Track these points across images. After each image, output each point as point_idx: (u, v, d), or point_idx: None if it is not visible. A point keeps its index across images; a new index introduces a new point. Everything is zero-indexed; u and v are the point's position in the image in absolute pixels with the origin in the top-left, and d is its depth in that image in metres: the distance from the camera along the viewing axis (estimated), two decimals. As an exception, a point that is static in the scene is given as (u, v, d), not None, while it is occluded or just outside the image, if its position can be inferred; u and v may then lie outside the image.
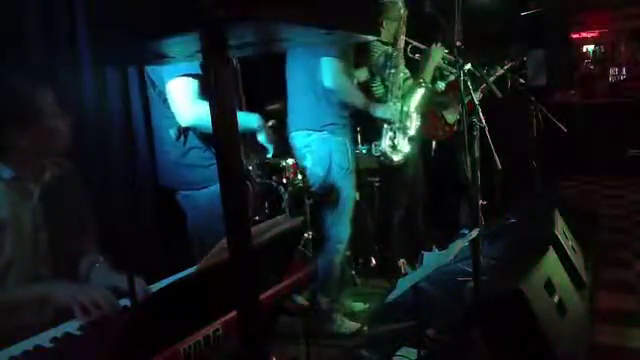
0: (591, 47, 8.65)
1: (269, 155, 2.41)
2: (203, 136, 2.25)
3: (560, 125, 4.20)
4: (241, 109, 2.39)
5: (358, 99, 3.00)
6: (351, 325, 3.04)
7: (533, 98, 4.31)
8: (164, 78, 2.19)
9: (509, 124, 4.57)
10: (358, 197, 3.63)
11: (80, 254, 1.84)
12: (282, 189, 3.48)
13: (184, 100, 2.16)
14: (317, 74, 2.82)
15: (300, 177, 3.33)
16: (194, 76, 2.14)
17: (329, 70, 2.79)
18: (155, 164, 2.47)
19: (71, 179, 1.85)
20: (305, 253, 2.73)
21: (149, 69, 2.26)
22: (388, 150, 3.21)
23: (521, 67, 4.96)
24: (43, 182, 1.74)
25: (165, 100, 2.24)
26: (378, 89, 3.44)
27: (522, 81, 4.26)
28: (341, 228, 2.99)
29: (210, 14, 0.72)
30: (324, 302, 3.00)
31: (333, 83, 2.81)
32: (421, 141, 3.91)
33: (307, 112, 2.91)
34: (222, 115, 0.87)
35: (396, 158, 3.25)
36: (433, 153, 4.26)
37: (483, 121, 3.03)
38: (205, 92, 2.15)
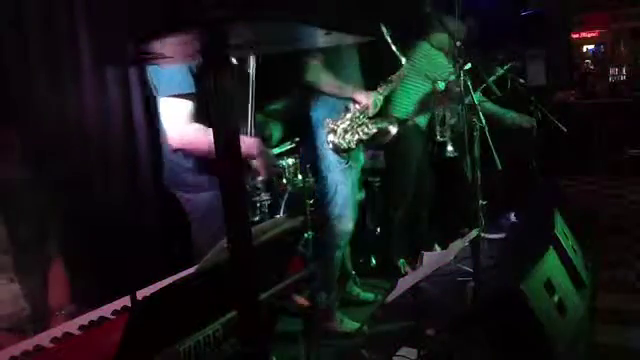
0: (591, 47, 8.65)
1: (259, 181, 2.35)
2: None
3: (560, 125, 4.20)
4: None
5: (335, 89, 2.97)
6: (351, 324, 3.04)
7: (533, 98, 4.30)
8: (159, 89, 2.16)
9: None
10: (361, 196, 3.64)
11: (42, 256, 1.86)
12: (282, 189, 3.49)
13: (174, 124, 2.10)
14: None
15: (300, 177, 3.32)
16: (186, 96, 2.08)
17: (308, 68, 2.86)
18: (157, 164, 2.47)
19: (26, 183, 1.87)
20: (305, 253, 2.73)
21: (152, 73, 2.22)
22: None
23: (521, 67, 4.97)
24: None
25: None
26: None
27: (522, 81, 4.26)
28: (340, 224, 3.00)
29: (210, 14, 0.72)
30: (324, 300, 3.01)
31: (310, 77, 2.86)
32: (424, 141, 3.92)
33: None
34: (222, 115, 0.87)
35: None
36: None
37: (483, 121, 3.03)
38: (197, 114, 2.10)
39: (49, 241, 1.92)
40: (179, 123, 2.10)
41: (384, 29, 3.04)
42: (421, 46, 3.81)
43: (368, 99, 2.93)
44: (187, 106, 2.09)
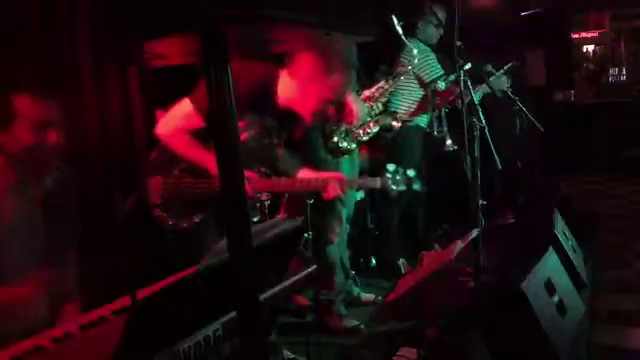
0: (591, 47, 8.65)
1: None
2: None
3: (538, 125, 4.19)
4: None
5: None
6: (349, 322, 3.05)
7: (517, 98, 4.27)
8: None
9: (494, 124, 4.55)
10: (360, 197, 3.64)
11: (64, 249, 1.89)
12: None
13: (175, 120, 2.11)
14: None
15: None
16: None
17: None
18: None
19: (71, 182, 1.89)
20: (305, 253, 2.73)
21: None
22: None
23: (520, 67, 4.97)
24: (45, 187, 1.79)
25: None
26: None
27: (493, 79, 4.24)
28: (330, 219, 3.02)
29: (210, 14, 0.72)
30: (323, 295, 3.02)
31: None
32: (424, 140, 3.91)
33: None
34: (222, 116, 0.87)
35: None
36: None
37: (483, 121, 3.03)
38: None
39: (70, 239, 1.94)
40: (178, 123, 2.10)
41: (395, 19, 3.03)
42: (411, 44, 3.70)
43: (356, 106, 2.94)
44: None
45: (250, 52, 1.04)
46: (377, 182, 2.44)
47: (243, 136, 2.18)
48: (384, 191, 2.45)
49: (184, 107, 2.09)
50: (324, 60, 2.11)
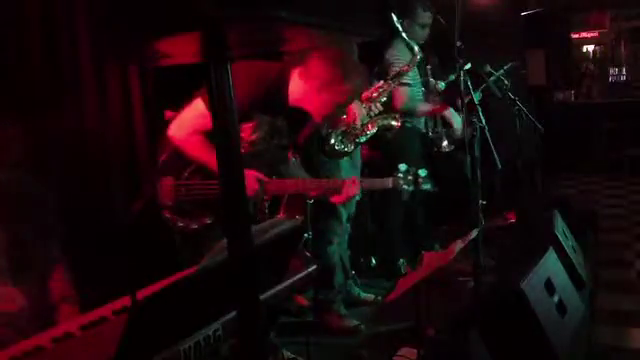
0: (591, 47, 8.65)
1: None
2: None
3: (538, 125, 4.19)
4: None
5: None
6: (349, 322, 3.05)
7: (516, 98, 4.26)
8: None
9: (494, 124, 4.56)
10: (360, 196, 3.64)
11: (41, 255, 1.88)
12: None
13: (189, 121, 2.10)
14: None
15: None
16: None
17: None
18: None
19: (24, 184, 1.89)
20: (305, 253, 2.73)
21: None
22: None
23: (520, 67, 4.97)
24: None
25: None
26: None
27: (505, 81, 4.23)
28: (331, 220, 3.02)
29: (210, 14, 0.72)
30: (323, 295, 3.02)
31: None
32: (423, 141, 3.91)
33: None
34: (222, 115, 0.87)
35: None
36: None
37: (483, 121, 3.03)
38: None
39: (49, 241, 1.93)
40: (192, 124, 2.08)
41: (394, 17, 3.01)
42: (398, 44, 3.58)
43: (356, 107, 2.93)
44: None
45: (252, 51, 1.04)
46: (389, 182, 2.42)
47: (253, 137, 2.18)
48: (395, 191, 2.44)
49: (197, 107, 2.08)
50: (338, 65, 2.12)
